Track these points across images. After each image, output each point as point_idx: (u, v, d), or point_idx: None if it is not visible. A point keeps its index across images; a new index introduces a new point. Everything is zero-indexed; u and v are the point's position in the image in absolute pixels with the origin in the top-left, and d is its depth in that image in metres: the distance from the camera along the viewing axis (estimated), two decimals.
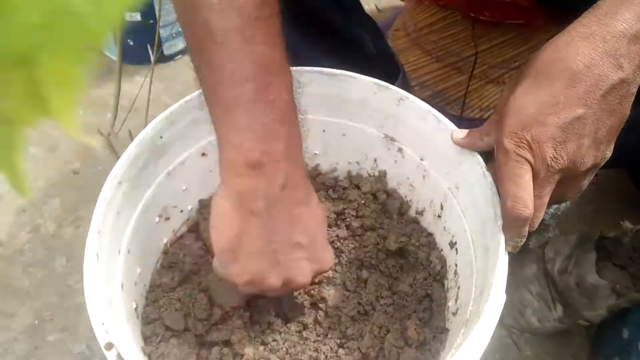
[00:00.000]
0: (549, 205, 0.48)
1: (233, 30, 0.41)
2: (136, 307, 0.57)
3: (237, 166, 0.42)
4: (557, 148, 0.44)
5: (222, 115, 0.43)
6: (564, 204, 1.01)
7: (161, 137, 0.56)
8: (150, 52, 1.01)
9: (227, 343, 0.57)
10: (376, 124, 0.64)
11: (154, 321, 0.58)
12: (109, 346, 0.42)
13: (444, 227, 0.63)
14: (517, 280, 0.88)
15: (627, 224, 0.73)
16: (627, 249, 0.75)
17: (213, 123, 0.45)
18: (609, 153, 0.46)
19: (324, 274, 0.59)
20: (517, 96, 0.46)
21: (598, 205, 1.04)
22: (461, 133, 0.55)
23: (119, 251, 0.53)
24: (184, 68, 1.29)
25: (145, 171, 0.55)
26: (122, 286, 0.52)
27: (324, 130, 0.66)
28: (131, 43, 1.18)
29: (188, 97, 0.57)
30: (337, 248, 0.64)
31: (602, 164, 0.46)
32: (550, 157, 0.44)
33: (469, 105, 0.97)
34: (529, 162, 0.45)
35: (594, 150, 0.45)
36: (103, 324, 0.43)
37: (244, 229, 0.44)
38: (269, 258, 0.45)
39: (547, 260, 0.81)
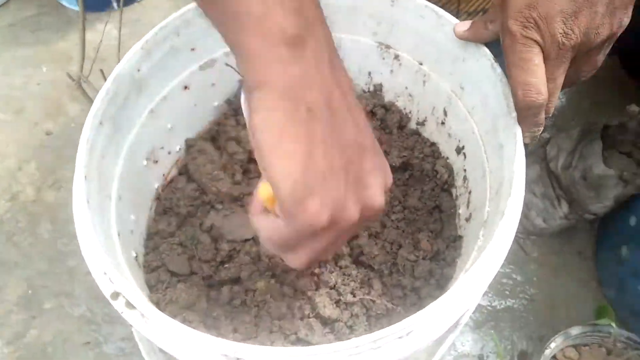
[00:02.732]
0: (564, 86, 0.45)
1: None
2: (136, 256, 0.54)
3: (273, 49, 0.30)
4: (568, 22, 0.40)
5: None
6: (558, 102, 0.99)
7: (139, 70, 0.51)
8: None
9: (236, 280, 0.55)
10: (369, 32, 0.60)
11: (157, 268, 0.55)
12: (115, 295, 0.39)
13: (449, 134, 0.60)
14: None
15: (634, 107, 0.70)
16: (633, 135, 0.73)
17: (221, 16, 0.31)
18: (626, 20, 0.42)
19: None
20: None
21: (594, 98, 1.02)
22: (464, 25, 0.50)
23: (110, 197, 0.49)
24: (148, 10, 1.22)
25: (126, 109, 0.51)
26: (119, 235, 0.49)
27: None
28: None
29: (163, 23, 0.52)
30: None
31: (619, 34, 0.43)
32: (561, 34, 0.40)
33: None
34: (538, 43, 0.41)
35: (609, 18, 0.41)
36: (105, 273, 0.40)
37: (311, 139, 0.31)
38: (345, 174, 0.33)
39: (550, 159, 0.80)
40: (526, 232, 0.88)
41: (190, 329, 0.36)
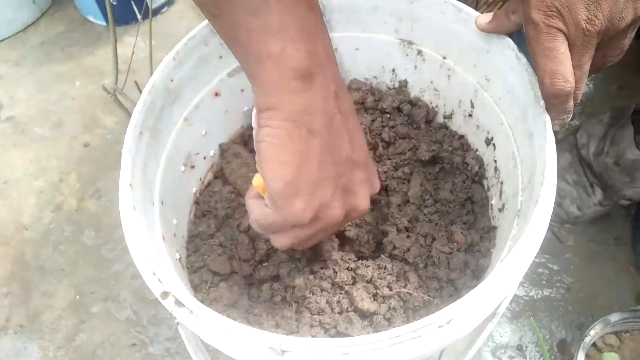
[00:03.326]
0: (591, 73, 0.45)
1: None
2: (180, 258, 0.56)
3: (285, 83, 0.34)
4: (591, 8, 0.40)
5: (248, 20, 0.34)
6: (586, 89, 0.98)
7: (172, 80, 0.53)
8: (135, 8, 0.96)
9: (275, 278, 0.57)
10: (391, 29, 0.61)
11: (199, 269, 0.57)
12: (165, 294, 0.41)
13: (477, 126, 0.61)
14: None
15: None
16: None
17: (232, 40, 0.36)
18: None
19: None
20: None
21: (622, 82, 1.01)
22: (486, 17, 0.51)
23: (153, 203, 0.51)
24: (172, 21, 1.25)
25: (162, 118, 0.53)
26: (164, 238, 0.51)
27: (335, 48, 0.62)
28: (114, 3, 1.13)
29: (191, 34, 0.54)
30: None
31: None
32: (585, 20, 0.40)
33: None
34: (562, 31, 0.41)
35: (633, 2, 0.41)
36: (154, 273, 0.42)
37: (307, 155, 0.36)
38: (334, 184, 0.39)
39: (581, 146, 0.79)
40: (560, 221, 0.88)
41: (237, 323, 0.38)
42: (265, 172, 0.37)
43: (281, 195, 0.37)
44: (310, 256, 0.57)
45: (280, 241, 0.42)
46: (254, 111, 0.39)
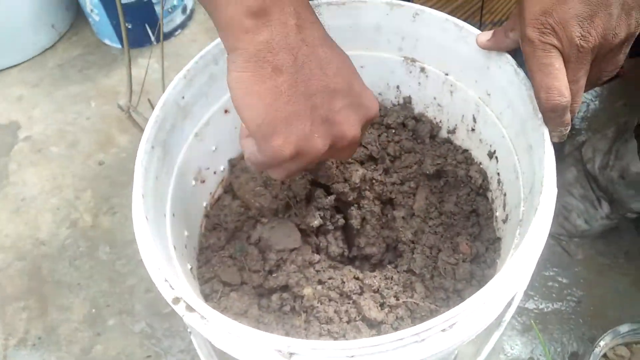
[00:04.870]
0: (587, 88, 0.46)
1: None
2: (191, 268, 0.57)
3: (240, 22, 0.36)
4: (584, 25, 0.42)
5: None
6: (592, 105, 0.99)
7: (183, 98, 0.56)
8: (149, 31, 1.00)
9: (285, 288, 0.58)
10: (394, 48, 0.62)
11: (210, 279, 0.59)
12: (177, 300, 0.43)
13: (480, 140, 0.62)
14: (557, 186, 0.87)
15: None
16: None
17: None
18: None
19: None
20: None
21: (627, 98, 1.01)
22: (486, 35, 0.53)
23: (165, 214, 0.53)
24: (185, 43, 1.28)
25: (173, 134, 0.55)
26: (175, 248, 0.53)
27: None
28: (129, 26, 1.16)
29: (202, 53, 0.56)
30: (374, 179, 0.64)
31: (637, 33, 0.44)
32: (578, 37, 0.42)
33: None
34: (557, 47, 0.43)
35: (626, 19, 0.42)
36: (166, 280, 0.43)
37: (275, 92, 0.37)
38: (311, 116, 0.39)
39: (586, 161, 0.80)
40: (569, 235, 0.88)
41: (246, 326, 0.39)
42: (240, 116, 0.39)
43: (258, 136, 0.39)
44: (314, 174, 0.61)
45: (274, 174, 0.44)
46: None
